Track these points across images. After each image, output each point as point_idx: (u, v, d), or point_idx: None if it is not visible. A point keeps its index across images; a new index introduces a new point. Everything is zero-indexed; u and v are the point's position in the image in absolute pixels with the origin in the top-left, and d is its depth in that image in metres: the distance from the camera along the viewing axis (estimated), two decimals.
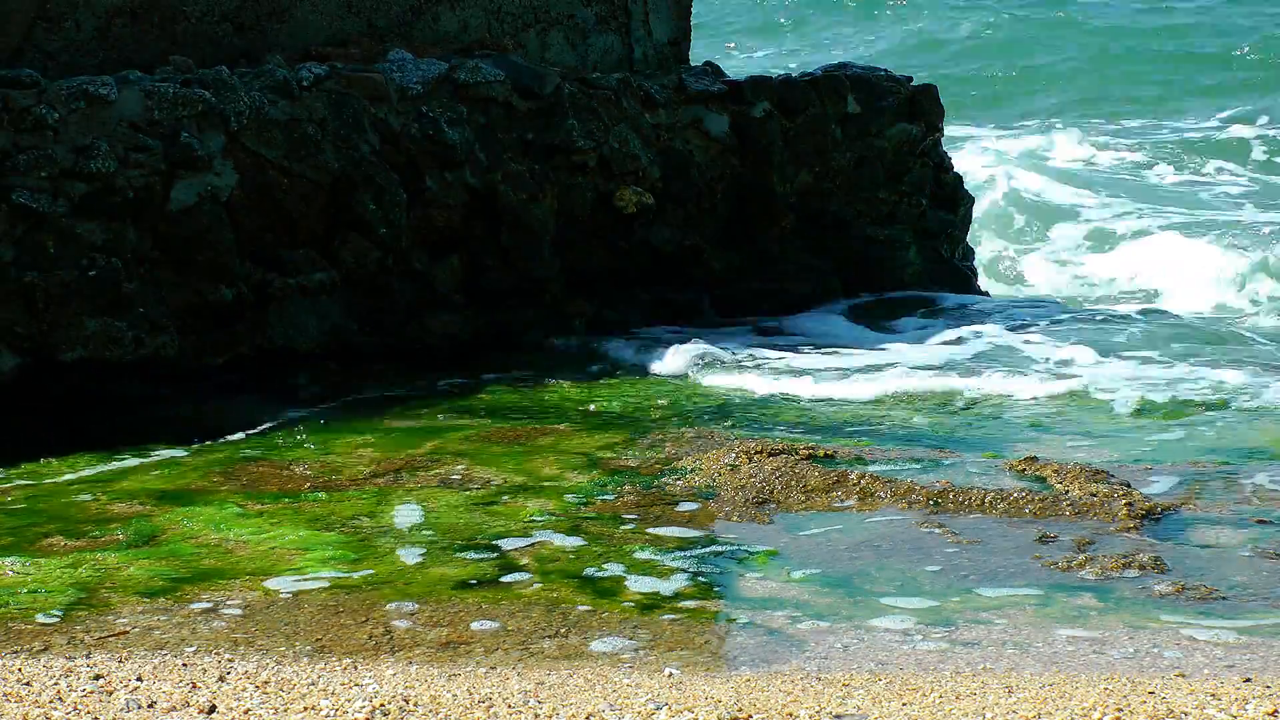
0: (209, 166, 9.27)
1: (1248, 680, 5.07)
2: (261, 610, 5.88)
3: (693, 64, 11.99)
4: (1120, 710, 4.72)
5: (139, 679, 5.09)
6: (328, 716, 4.75)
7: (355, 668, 5.28)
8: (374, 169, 9.82)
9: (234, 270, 9.34)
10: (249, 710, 4.81)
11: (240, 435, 8.37)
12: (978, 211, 13.41)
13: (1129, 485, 7.15)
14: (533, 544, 6.57)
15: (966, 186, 12.57)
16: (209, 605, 5.93)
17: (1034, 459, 7.54)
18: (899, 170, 12.03)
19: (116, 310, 8.91)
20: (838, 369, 9.73)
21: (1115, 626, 5.67)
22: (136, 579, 6.20)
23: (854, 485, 7.21)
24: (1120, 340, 10.55)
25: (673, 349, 9.91)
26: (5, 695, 4.91)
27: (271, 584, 6.14)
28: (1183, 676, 5.16)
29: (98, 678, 5.11)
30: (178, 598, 6.01)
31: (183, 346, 9.18)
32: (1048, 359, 10.03)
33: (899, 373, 9.58)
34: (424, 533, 6.74)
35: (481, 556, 6.43)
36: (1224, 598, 5.94)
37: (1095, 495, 6.96)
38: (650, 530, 6.76)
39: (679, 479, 7.39)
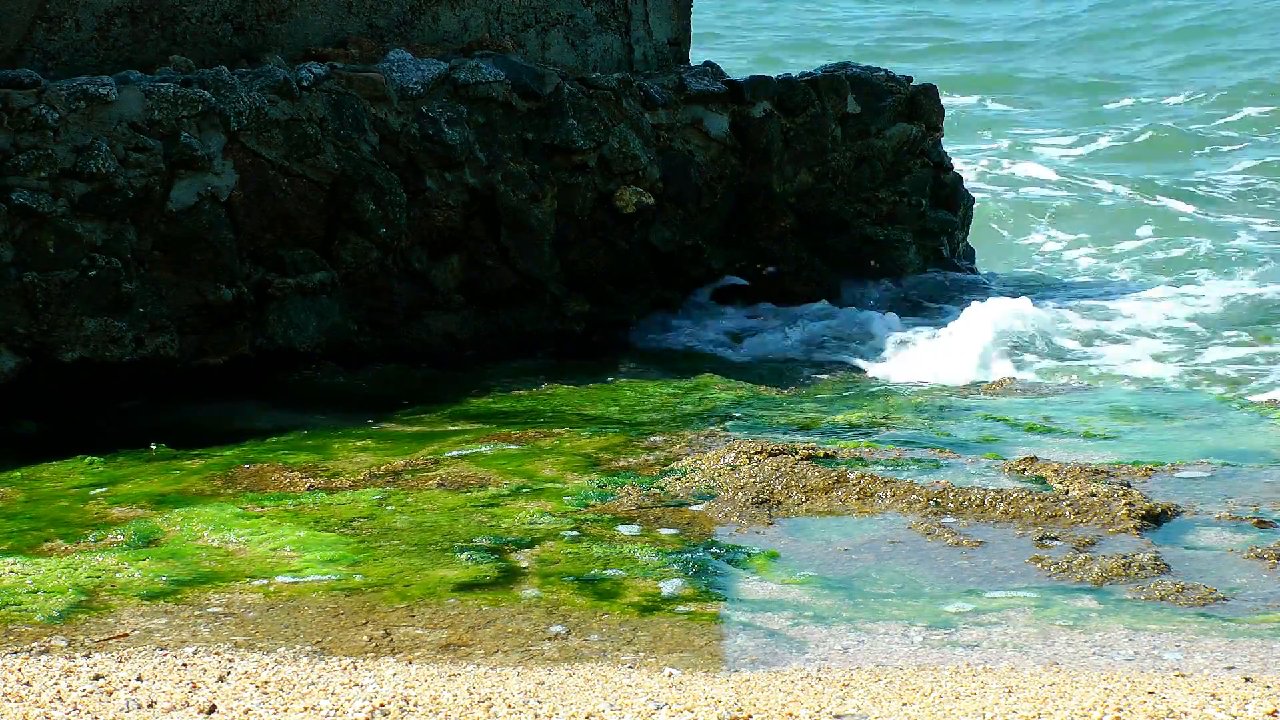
0: (209, 166, 9.27)
1: (1248, 680, 5.07)
2: (262, 611, 5.87)
3: (693, 63, 12.00)
4: (1120, 710, 4.71)
5: (139, 679, 5.09)
6: (328, 716, 4.75)
7: (355, 668, 5.28)
8: (374, 169, 9.82)
9: (234, 270, 9.34)
10: (249, 710, 4.81)
11: (240, 437, 8.36)
12: None
13: (1129, 485, 7.14)
14: (533, 546, 6.56)
15: None
16: (209, 607, 5.93)
17: (1034, 459, 7.53)
18: (899, 170, 12.04)
19: (116, 310, 8.90)
20: None
21: (1115, 627, 5.67)
22: (137, 581, 6.19)
23: (854, 486, 7.20)
24: (1120, 338, 10.55)
25: None
26: (5, 695, 4.91)
27: (272, 585, 6.14)
28: (1183, 676, 5.15)
29: (98, 678, 5.10)
30: (178, 600, 6.01)
31: (183, 346, 9.18)
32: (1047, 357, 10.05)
33: None
34: (424, 535, 6.73)
35: (481, 559, 6.42)
36: (1224, 599, 5.94)
37: (1095, 496, 6.95)
38: (650, 531, 6.75)
39: (679, 480, 7.38)
